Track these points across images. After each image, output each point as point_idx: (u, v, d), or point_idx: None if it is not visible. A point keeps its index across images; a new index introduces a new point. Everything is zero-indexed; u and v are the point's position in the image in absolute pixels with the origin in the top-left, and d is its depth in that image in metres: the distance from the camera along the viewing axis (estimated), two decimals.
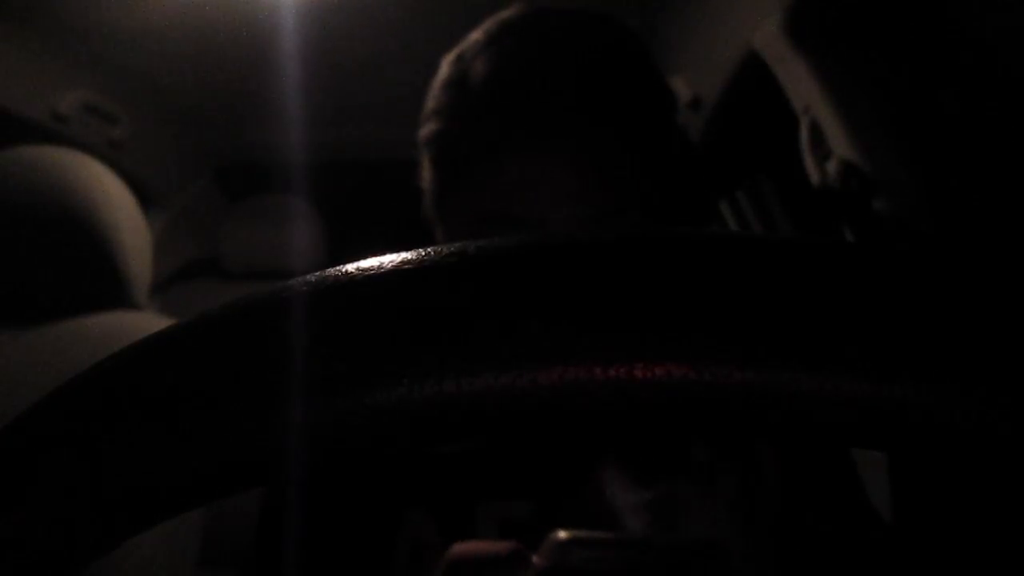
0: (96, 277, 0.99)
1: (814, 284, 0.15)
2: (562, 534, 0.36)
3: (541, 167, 0.47)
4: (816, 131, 0.85)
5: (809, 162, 0.87)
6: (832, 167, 0.82)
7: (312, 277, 0.16)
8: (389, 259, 0.16)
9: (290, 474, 0.15)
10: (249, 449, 0.14)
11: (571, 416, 0.14)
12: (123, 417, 0.15)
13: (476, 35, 0.54)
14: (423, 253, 0.16)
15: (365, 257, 0.16)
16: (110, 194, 1.01)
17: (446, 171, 0.52)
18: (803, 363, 0.14)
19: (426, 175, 0.55)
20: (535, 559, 0.36)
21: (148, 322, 0.98)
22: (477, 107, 0.50)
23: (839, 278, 0.15)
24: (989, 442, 0.14)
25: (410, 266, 0.15)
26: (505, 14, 0.54)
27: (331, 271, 0.16)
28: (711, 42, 1.12)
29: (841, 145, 0.81)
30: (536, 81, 0.48)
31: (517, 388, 0.14)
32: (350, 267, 0.16)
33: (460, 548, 0.38)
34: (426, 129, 0.54)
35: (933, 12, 0.74)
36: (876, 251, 0.15)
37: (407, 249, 0.16)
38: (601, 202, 0.47)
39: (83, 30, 1.30)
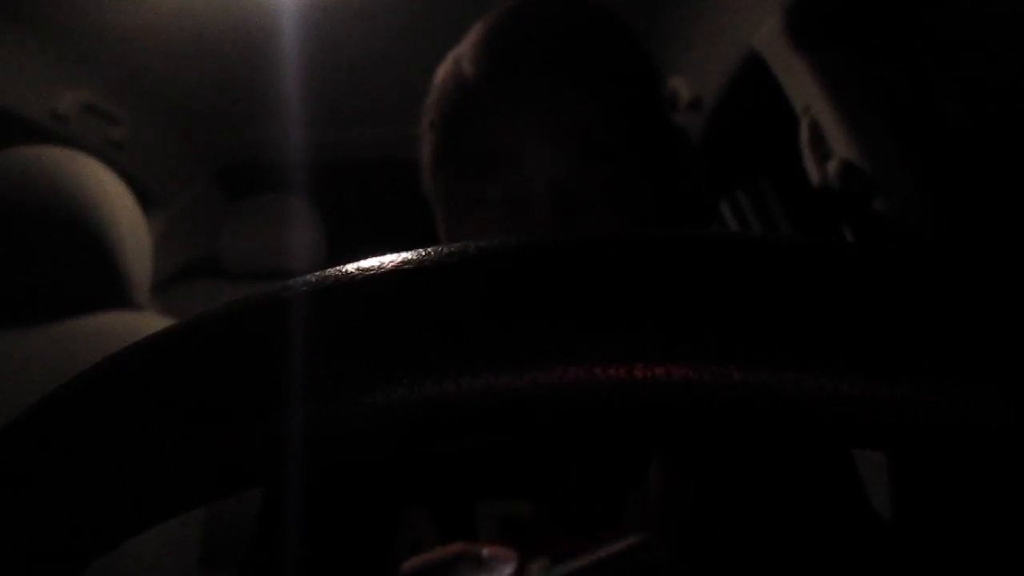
0: (96, 277, 0.99)
1: (814, 284, 0.15)
2: None
3: (525, 108, 0.52)
4: (816, 131, 0.85)
5: (809, 162, 0.87)
6: (832, 167, 0.82)
7: (312, 277, 0.16)
8: (389, 259, 0.16)
9: (290, 474, 0.15)
10: (249, 449, 0.14)
11: (571, 416, 0.14)
12: (123, 417, 0.15)
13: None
14: (423, 253, 0.16)
15: (365, 257, 0.16)
16: (110, 194, 1.01)
17: (441, 130, 0.57)
18: (803, 364, 0.14)
19: (425, 145, 0.59)
20: None
21: (148, 322, 0.98)
22: (469, 72, 0.55)
23: (839, 278, 0.15)
24: (989, 442, 0.14)
25: (410, 266, 0.15)
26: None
27: (331, 271, 0.16)
28: (711, 42, 1.12)
29: (841, 145, 0.81)
30: (521, 41, 0.54)
31: (517, 388, 0.14)
32: (350, 267, 0.16)
33: (411, 561, 0.39)
34: (427, 103, 0.59)
35: (933, 12, 0.74)
36: (876, 251, 0.15)
37: (407, 249, 0.16)
38: (584, 143, 0.51)
39: (83, 30, 1.30)
